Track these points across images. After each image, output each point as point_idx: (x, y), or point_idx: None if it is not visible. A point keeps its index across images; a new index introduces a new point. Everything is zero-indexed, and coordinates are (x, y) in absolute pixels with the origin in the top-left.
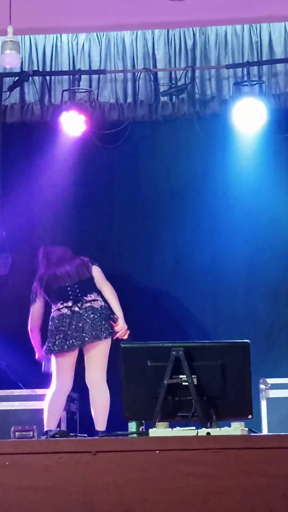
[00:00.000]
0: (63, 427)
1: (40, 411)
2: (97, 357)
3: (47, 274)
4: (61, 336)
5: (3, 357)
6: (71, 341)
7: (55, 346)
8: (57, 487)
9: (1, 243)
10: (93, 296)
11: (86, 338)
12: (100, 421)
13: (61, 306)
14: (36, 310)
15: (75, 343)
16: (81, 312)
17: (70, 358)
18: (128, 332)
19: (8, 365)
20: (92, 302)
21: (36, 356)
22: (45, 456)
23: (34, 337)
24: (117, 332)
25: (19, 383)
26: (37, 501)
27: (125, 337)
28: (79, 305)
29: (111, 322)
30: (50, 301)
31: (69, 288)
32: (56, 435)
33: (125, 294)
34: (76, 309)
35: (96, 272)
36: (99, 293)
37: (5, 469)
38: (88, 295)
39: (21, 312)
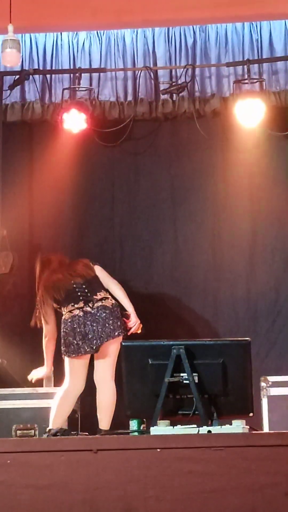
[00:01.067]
0: (65, 425)
1: (42, 409)
2: (108, 355)
3: (51, 281)
4: (78, 340)
5: (4, 355)
6: (87, 349)
7: (69, 352)
8: (59, 485)
9: (1, 242)
10: (102, 294)
11: (98, 342)
12: (105, 420)
13: (72, 308)
14: (50, 329)
15: (90, 351)
16: (93, 312)
17: (84, 359)
18: (141, 325)
19: (9, 363)
20: (103, 300)
21: (44, 373)
22: (47, 454)
23: (49, 353)
24: (131, 328)
25: (20, 381)
26: (39, 499)
27: (139, 331)
28: (90, 305)
29: (124, 319)
30: (59, 306)
31: (77, 289)
32: (57, 434)
33: (125, 292)
34: (88, 309)
35: (99, 271)
36: (107, 291)
37: (7, 468)
38: (97, 293)
39: (22, 310)
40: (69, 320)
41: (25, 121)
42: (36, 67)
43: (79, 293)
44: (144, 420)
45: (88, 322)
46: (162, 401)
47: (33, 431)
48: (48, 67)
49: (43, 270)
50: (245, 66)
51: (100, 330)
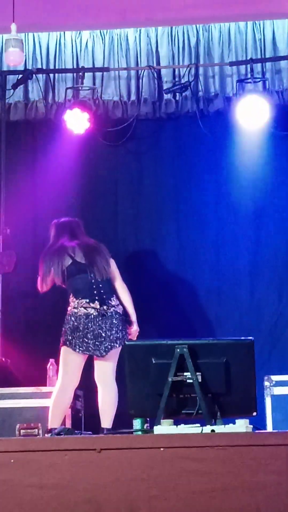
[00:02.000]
0: (68, 424)
1: (46, 408)
2: (108, 360)
3: (68, 253)
4: (89, 339)
5: (8, 354)
6: (95, 351)
7: (75, 345)
8: (62, 485)
9: (5, 240)
10: (114, 298)
11: (109, 347)
12: (108, 418)
13: (86, 305)
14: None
15: (98, 354)
16: (108, 315)
17: (84, 357)
18: (138, 330)
19: (12, 363)
20: (116, 306)
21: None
22: (50, 453)
23: None
24: (130, 335)
25: (23, 381)
26: (42, 498)
27: (135, 338)
28: (105, 307)
29: (127, 325)
30: (69, 290)
31: (94, 287)
32: (61, 433)
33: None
34: (103, 311)
35: (114, 268)
36: (116, 295)
37: (11, 467)
38: (111, 298)
39: (26, 309)
40: (83, 316)
41: (28, 120)
42: (39, 66)
43: (95, 291)
44: (148, 419)
45: (102, 325)
46: (165, 401)
47: (36, 430)
48: (51, 67)
49: (59, 236)
50: (248, 66)
51: (112, 336)
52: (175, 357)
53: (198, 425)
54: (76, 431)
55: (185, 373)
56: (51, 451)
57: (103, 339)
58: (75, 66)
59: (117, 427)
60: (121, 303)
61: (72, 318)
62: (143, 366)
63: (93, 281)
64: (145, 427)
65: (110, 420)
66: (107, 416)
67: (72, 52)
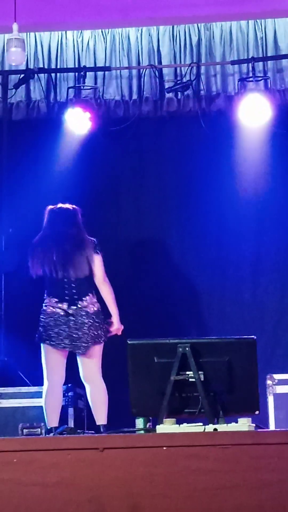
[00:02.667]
0: (71, 424)
1: None
2: (94, 354)
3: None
4: (58, 333)
5: (11, 354)
6: (67, 345)
7: (50, 339)
8: (65, 484)
9: (7, 240)
10: (88, 298)
11: (81, 349)
12: (102, 415)
13: (54, 304)
14: None
15: (71, 348)
16: (76, 315)
17: (62, 354)
18: (122, 327)
19: (16, 362)
20: (88, 306)
21: None
22: (53, 453)
23: None
24: (111, 332)
25: (26, 380)
26: (45, 498)
27: (119, 333)
28: (73, 308)
29: (106, 325)
30: (44, 286)
31: (66, 286)
32: (63, 432)
33: (131, 289)
34: (71, 311)
35: (98, 265)
36: (96, 293)
37: (13, 466)
38: (84, 298)
39: (29, 309)
40: (50, 315)
41: (30, 120)
42: (41, 66)
43: (66, 291)
44: (150, 418)
45: (71, 324)
46: (168, 399)
47: (39, 429)
48: (53, 66)
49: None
50: (250, 64)
51: (86, 335)
52: (178, 356)
53: (201, 424)
54: (78, 430)
55: (187, 372)
56: (53, 450)
57: (77, 337)
58: (76, 66)
59: (119, 426)
60: (100, 301)
61: (43, 316)
62: (145, 365)
63: (65, 280)
64: (147, 426)
65: (104, 417)
66: (100, 412)
67: (74, 51)
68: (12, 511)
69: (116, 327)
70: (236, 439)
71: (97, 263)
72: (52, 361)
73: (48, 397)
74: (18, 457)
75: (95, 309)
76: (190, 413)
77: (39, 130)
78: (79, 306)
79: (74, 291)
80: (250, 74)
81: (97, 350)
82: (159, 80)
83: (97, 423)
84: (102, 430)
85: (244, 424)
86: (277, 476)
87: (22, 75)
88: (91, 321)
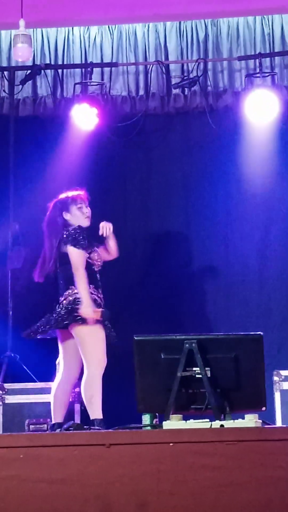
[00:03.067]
0: (77, 420)
1: None
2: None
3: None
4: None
5: (17, 350)
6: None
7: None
8: (71, 480)
9: (14, 236)
10: (64, 294)
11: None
12: (97, 409)
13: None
14: None
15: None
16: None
17: (71, 344)
18: (101, 310)
19: (22, 358)
20: (63, 302)
21: None
22: (60, 449)
23: None
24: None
25: (33, 376)
26: (51, 494)
27: (99, 317)
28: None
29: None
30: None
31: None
32: (70, 428)
33: (138, 287)
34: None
35: (75, 258)
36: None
37: (20, 462)
38: (63, 294)
39: (35, 305)
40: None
41: (37, 116)
42: (47, 62)
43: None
44: (157, 414)
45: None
46: (174, 396)
47: (46, 425)
48: (60, 62)
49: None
50: (257, 60)
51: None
52: (184, 352)
53: (207, 420)
54: (85, 427)
55: (194, 368)
56: (60, 446)
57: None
58: (83, 62)
59: (126, 422)
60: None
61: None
62: (152, 361)
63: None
64: (154, 422)
65: (99, 410)
66: (93, 407)
67: (81, 47)
68: (18, 507)
69: (83, 311)
70: (243, 436)
71: (74, 256)
72: (63, 351)
73: (57, 390)
74: (24, 453)
75: (71, 299)
76: (196, 409)
77: (46, 126)
78: (60, 305)
79: (59, 291)
80: (257, 70)
81: (75, 338)
82: (166, 76)
83: (91, 418)
84: (95, 424)
85: (251, 420)
86: (285, 472)
87: (29, 71)
88: (64, 307)
